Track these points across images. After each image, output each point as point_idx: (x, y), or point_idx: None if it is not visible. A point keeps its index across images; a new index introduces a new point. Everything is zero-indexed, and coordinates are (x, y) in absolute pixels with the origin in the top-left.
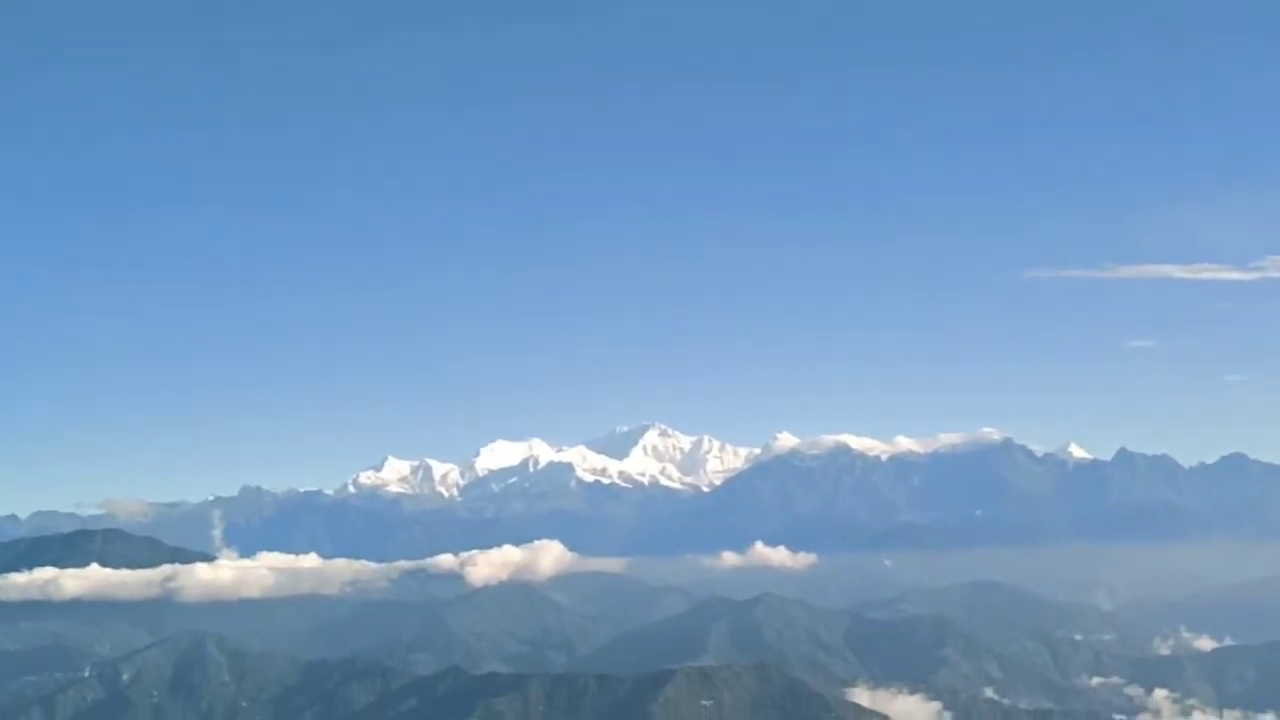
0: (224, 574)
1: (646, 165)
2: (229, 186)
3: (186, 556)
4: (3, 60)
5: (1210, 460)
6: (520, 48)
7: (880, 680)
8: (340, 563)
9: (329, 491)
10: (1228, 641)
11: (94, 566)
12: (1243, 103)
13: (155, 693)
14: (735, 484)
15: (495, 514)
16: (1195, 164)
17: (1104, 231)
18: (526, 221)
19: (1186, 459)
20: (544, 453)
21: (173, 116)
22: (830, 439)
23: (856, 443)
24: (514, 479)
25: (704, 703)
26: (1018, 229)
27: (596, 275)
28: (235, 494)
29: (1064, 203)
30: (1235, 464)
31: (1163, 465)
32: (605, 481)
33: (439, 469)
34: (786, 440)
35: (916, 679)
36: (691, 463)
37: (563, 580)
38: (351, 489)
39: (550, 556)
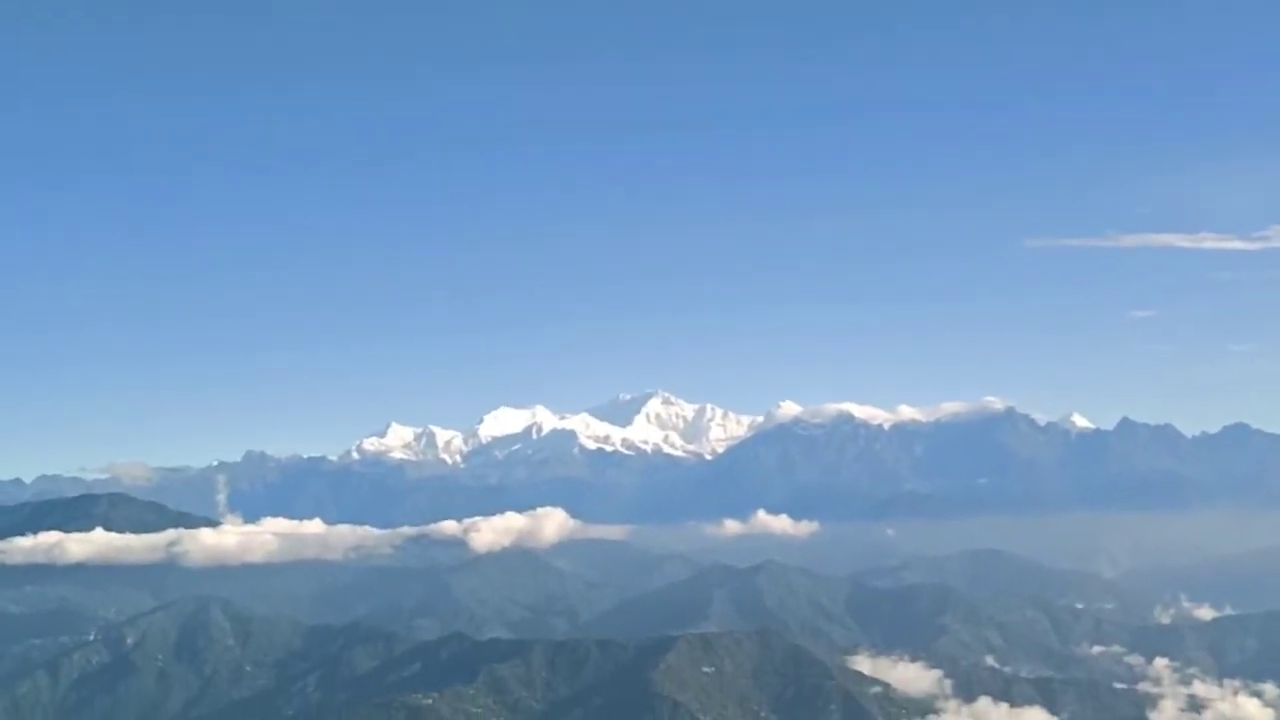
0: (228, 539)
1: (652, 133)
2: (233, 151)
3: (191, 521)
4: None
5: (1212, 430)
6: (529, 14)
7: (881, 648)
8: (344, 528)
9: (333, 457)
10: (1228, 611)
11: (99, 531)
12: (1247, 71)
13: (160, 656)
14: (738, 452)
15: (499, 481)
16: (1198, 132)
17: (1106, 200)
18: (530, 189)
19: (1189, 428)
20: (547, 420)
21: (171, 82)
22: (833, 407)
23: (859, 411)
24: (517, 446)
25: (705, 669)
26: (1019, 198)
27: (600, 243)
28: (239, 459)
29: (1066, 171)
30: (1237, 434)
31: (1165, 435)
32: (608, 449)
33: (443, 435)
34: (789, 409)
35: (917, 647)
36: (694, 431)
37: (565, 547)
38: (355, 455)
39: (553, 523)
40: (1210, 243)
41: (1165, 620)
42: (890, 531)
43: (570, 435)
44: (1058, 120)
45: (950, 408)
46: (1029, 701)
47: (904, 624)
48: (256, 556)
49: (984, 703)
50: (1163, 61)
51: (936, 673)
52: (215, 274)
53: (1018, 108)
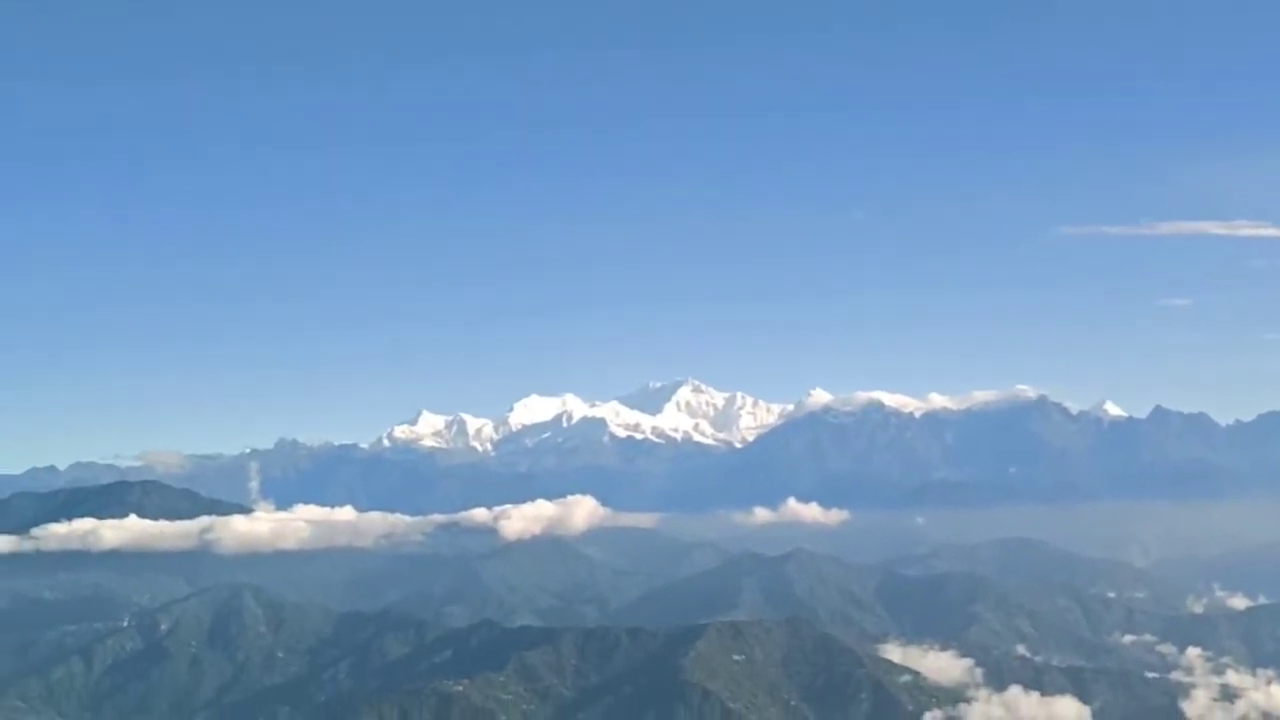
0: (260, 526)
1: (686, 118)
2: (269, 136)
3: (223, 508)
4: None
5: (1246, 418)
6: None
7: (912, 636)
8: (375, 516)
9: (364, 445)
10: (1261, 600)
11: (132, 518)
12: None
13: (193, 643)
14: (768, 440)
15: (529, 469)
16: (1233, 120)
17: (1141, 188)
18: (563, 175)
19: (1222, 417)
20: (577, 408)
21: (212, 67)
22: (864, 396)
23: (890, 400)
24: (547, 434)
25: (735, 657)
26: (1054, 185)
27: (631, 231)
28: (271, 447)
29: (1100, 159)
30: (1271, 422)
31: (1198, 423)
32: (638, 437)
33: (473, 424)
34: (820, 397)
35: (948, 635)
36: (725, 419)
37: (595, 535)
38: (386, 443)
39: (583, 511)
40: (1245, 230)
41: (1198, 610)
42: (920, 520)
43: (600, 423)
44: (1093, 108)
45: (981, 396)
46: (1060, 691)
47: (934, 612)
48: (288, 544)
49: (1015, 692)
50: (1199, 49)
51: (967, 661)
52: (248, 262)
53: (1053, 96)
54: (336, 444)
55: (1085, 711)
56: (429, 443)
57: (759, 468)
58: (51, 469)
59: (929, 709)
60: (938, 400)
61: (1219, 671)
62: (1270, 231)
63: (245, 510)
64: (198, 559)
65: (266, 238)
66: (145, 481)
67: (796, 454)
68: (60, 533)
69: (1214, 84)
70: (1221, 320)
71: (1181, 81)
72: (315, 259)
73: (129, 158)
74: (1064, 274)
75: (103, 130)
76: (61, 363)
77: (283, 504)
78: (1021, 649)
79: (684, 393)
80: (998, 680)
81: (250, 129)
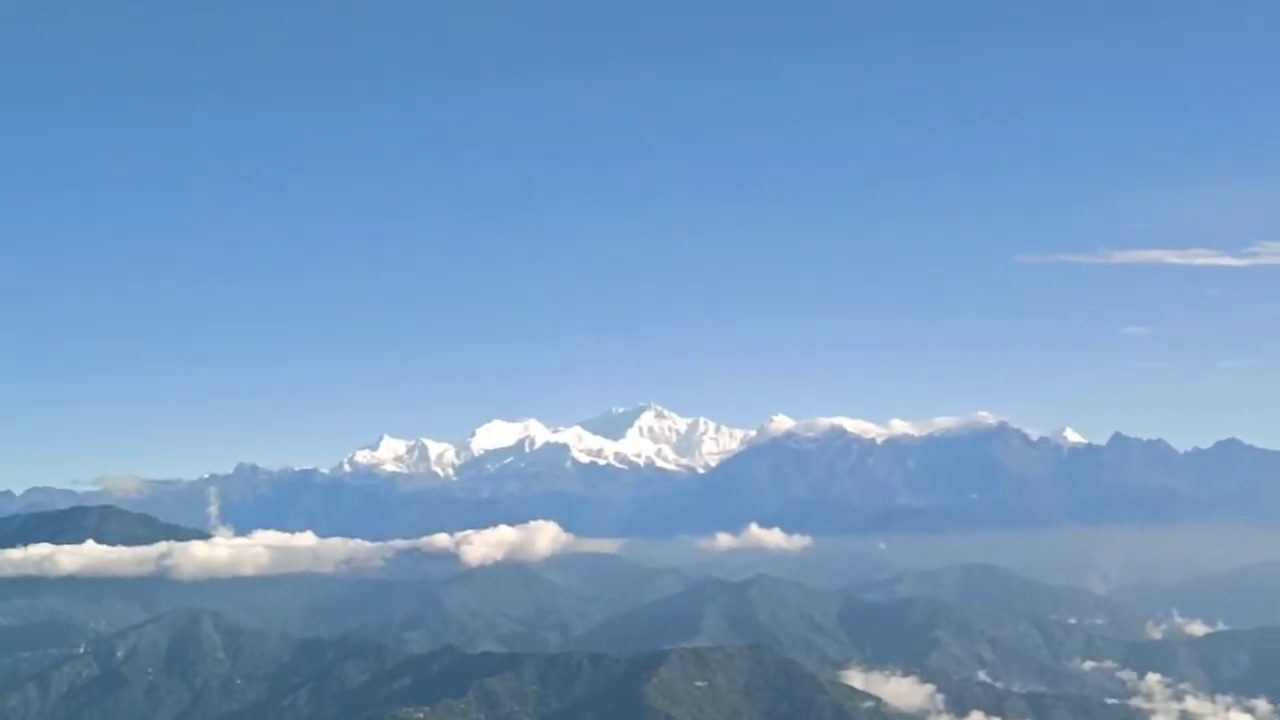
0: (219, 552)
1: (646, 142)
2: (228, 161)
3: (182, 534)
4: None
5: (1205, 445)
6: (516, 27)
7: (874, 662)
8: (335, 541)
9: (325, 470)
10: (1220, 627)
11: (89, 543)
12: (1238, 88)
13: (150, 669)
14: (730, 466)
15: (491, 494)
16: (1190, 149)
17: (1099, 216)
18: (523, 202)
19: (1181, 444)
20: (540, 433)
21: (161, 92)
22: (826, 422)
23: (852, 425)
24: (510, 459)
25: (698, 684)
26: (1012, 213)
27: (593, 256)
28: (231, 472)
29: (1058, 187)
30: (1229, 449)
31: (1157, 450)
32: (601, 462)
33: (435, 449)
34: (782, 423)
35: (910, 661)
36: (687, 444)
37: (558, 560)
38: (347, 468)
39: (546, 537)
40: (1201, 259)
41: (1157, 636)
42: (883, 546)
43: (563, 448)
44: (1051, 135)
45: (943, 422)
46: (1021, 716)
47: (896, 638)
48: (247, 569)
49: (976, 718)
50: (1155, 78)
51: (929, 687)
52: (207, 286)
53: (1010, 121)
54: (297, 469)
55: None
56: (390, 468)
57: (721, 493)
58: (7, 494)
59: None
60: (899, 426)
61: (1178, 698)
62: (1226, 260)
63: (204, 536)
64: (155, 585)
65: (226, 263)
66: (103, 507)
67: (759, 480)
68: (16, 558)
69: (1170, 113)
70: (1180, 348)
71: (1139, 110)
72: (276, 284)
73: (87, 179)
74: (1024, 301)
75: (57, 153)
76: (18, 387)
77: (242, 530)
78: (983, 675)
79: (646, 418)
80: (959, 706)
81: (209, 151)
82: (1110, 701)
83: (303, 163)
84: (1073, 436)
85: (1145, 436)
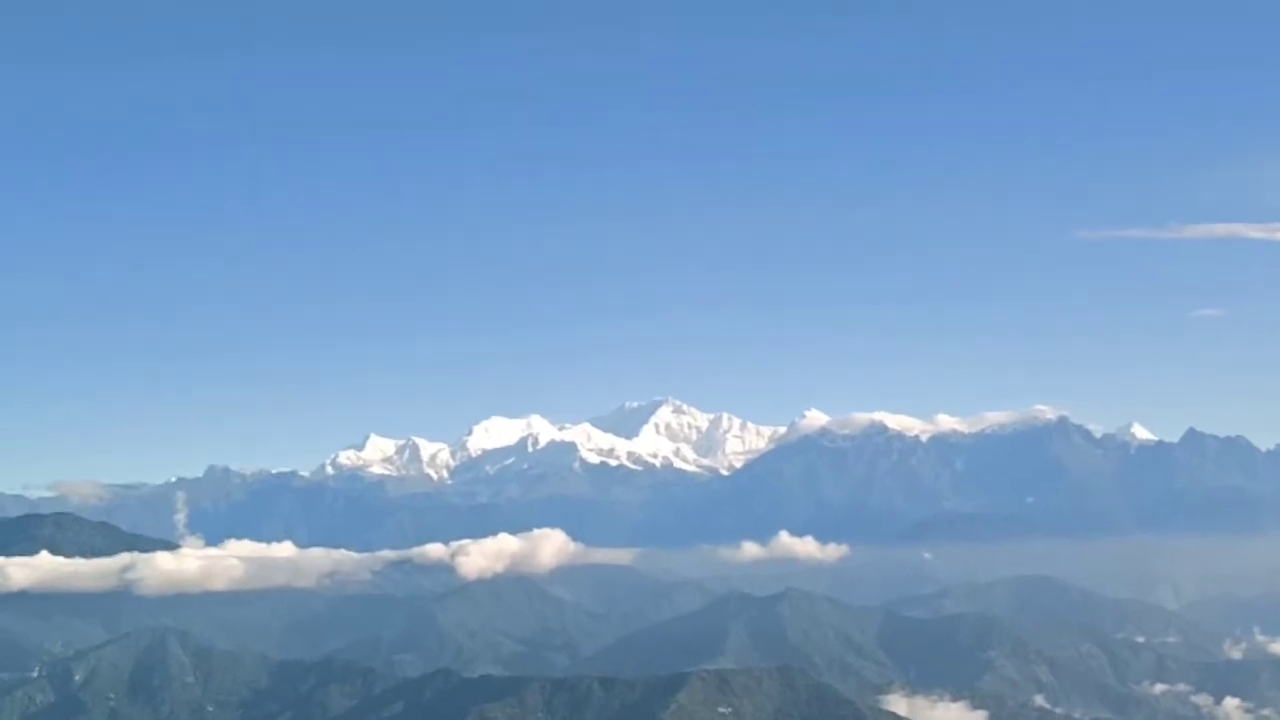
0: (188, 564)
1: (664, 109)
2: (193, 144)
3: (146, 544)
4: None
5: None
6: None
7: (918, 686)
8: (317, 552)
9: (304, 473)
10: None
11: (44, 555)
12: None
13: (111, 695)
14: (757, 467)
15: (490, 499)
16: (1269, 112)
17: (1168, 187)
18: (526, 171)
19: (1262, 441)
20: (544, 431)
21: (124, 70)
22: (864, 417)
23: (893, 421)
24: (510, 460)
25: (721, 710)
26: (1071, 184)
27: (604, 234)
28: (200, 475)
29: (1123, 154)
30: None
31: (1235, 448)
32: (612, 463)
33: (427, 448)
34: (815, 418)
35: (958, 685)
36: (708, 443)
37: (564, 573)
38: (330, 470)
39: (551, 547)
40: None
41: (1236, 655)
42: (927, 555)
43: (570, 448)
44: (1113, 99)
45: (995, 418)
46: None
47: (943, 659)
48: (219, 583)
49: None
50: (1231, 39)
51: (980, 714)
52: (173, 271)
53: (1068, 85)
54: (274, 472)
55: None
56: (378, 470)
57: (747, 497)
58: None
59: None
60: (946, 422)
61: None
62: None
63: (171, 546)
64: (117, 601)
65: (193, 244)
66: (58, 514)
67: (789, 482)
68: None
69: (1246, 72)
70: (1260, 333)
71: (1210, 70)
72: (249, 268)
73: (41, 166)
74: (1085, 283)
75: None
76: None
77: (213, 539)
78: (1040, 700)
79: (663, 414)
80: None
81: (177, 132)
82: None
83: (279, 138)
84: (1141, 433)
85: (1222, 433)
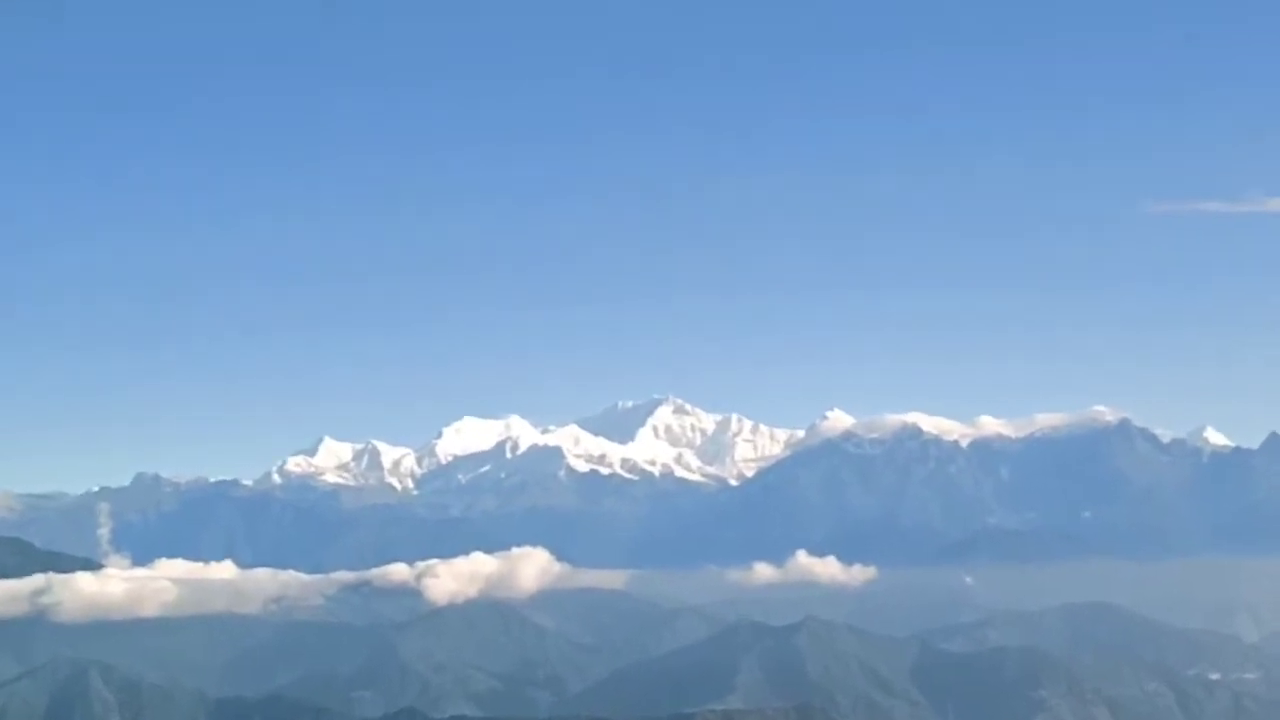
0: (112, 586)
1: (663, 74)
2: (131, 120)
3: (64, 563)
4: None
5: None
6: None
7: None
8: (262, 573)
9: (247, 481)
10: None
11: None
12: None
13: None
14: (771, 476)
15: (462, 512)
16: None
17: (1248, 155)
18: (502, 140)
19: None
20: (525, 434)
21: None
22: (895, 419)
23: (929, 424)
24: (486, 467)
25: None
26: (1139, 151)
27: (593, 209)
28: (127, 484)
29: (1198, 120)
30: None
31: None
32: (603, 471)
33: (389, 454)
34: (838, 420)
35: None
36: (715, 448)
37: (548, 598)
38: (276, 478)
39: (532, 567)
40: None
41: None
42: (968, 579)
43: (554, 453)
44: (1189, 59)
45: (1046, 420)
46: None
47: (986, 699)
48: (149, 609)
49: None
50: None
51: None
52: (95, 252)
53: (1135, 36)
54: (211, 480)
55: None
56: (332, 478)
57: (759, 511)
58: None
59: None
60: (990, 425)
61: None
62: None
63: (93, 566)
64: (30, 629)
65: (120, 224)
66: None
67: (808, 494)
68: None
69: None
70: None
71: None
72: (183, 247)
73: None
74: (1152, 263)
75: None
76: None
77: (141, 558)
78: None
79: (663, 414)
80: None
81: (109, 117)
82: None
83: (214, 112)
84: (1215, 438)
85: None
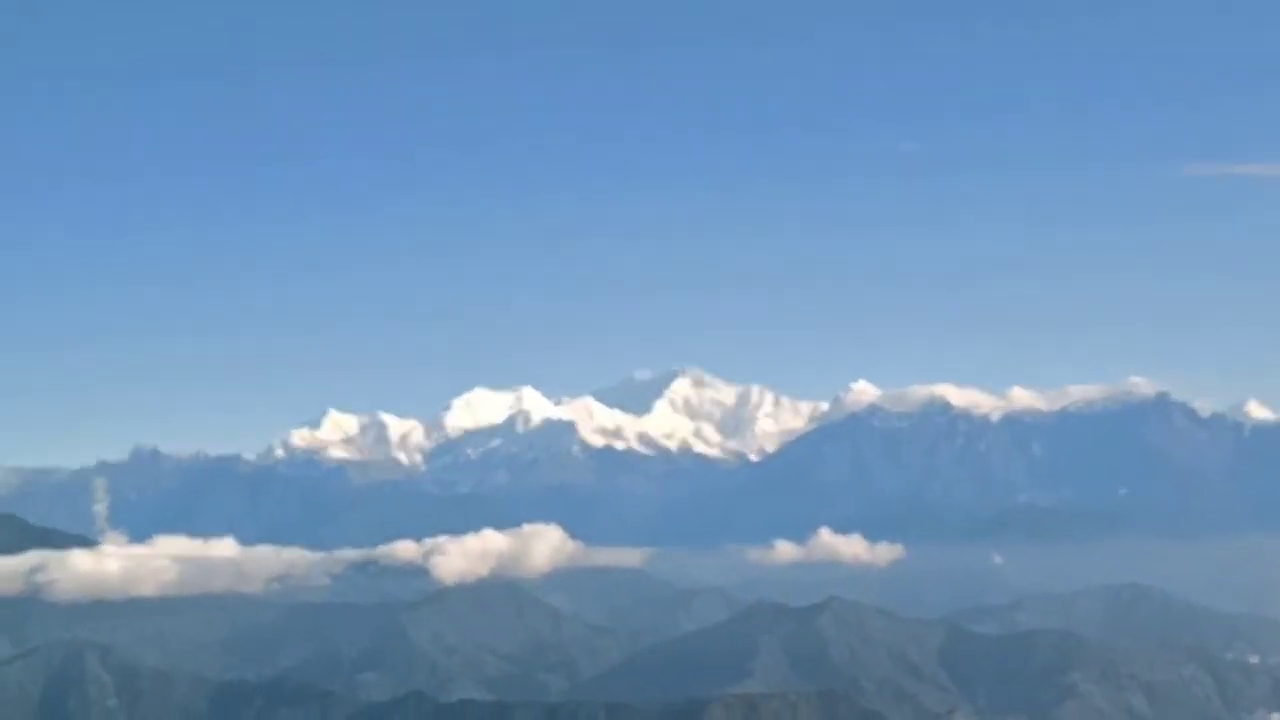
0: (109, 564)
1: (679, 37)
2: (127, 103)
3: (60, 540)
4: None
5: None
6: None
7: (986, 714)
8: (264, 551)
9: (249, 456)
10: None
11: None
12: None
13: None
14: (794, 451)
15: (471, 488)
16: None
17: None
18: (515, 108)
19: None
20: (537, 406)
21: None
22: (923, 391)
23: (958, 397)
24: (497, 441)
25: None
26: (1176, 112)
27: (607, 174)
28: (125, 458)
29: (1238, 80)
30: None
31: None
32: (619, 446)
33: (397, 427)
34: (864, 392)
35: (1035, 713)
36: (735, 422)
37: (561, 577)
38: (279, 453)
39: (545, 546)
40: None
41: None
42: (999, 559)
43: (568, 427)
44: (1227, 14)
45: (1080, 393)
46: None
47: (1017, 683)
48: (148, 588)
49: None
50: None
51: None
52: (96, 226)
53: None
54: (212, 455)
55: None
56: (337, 453)
57: (781, 488)
58: None
59: None
60: (1022, 398)
61: None
62: None
63: (89, 543)
64: (24, 608)
65: (118, 196)
66: None
67: (832, 470)
68: None
69: None
70: None
71: None
72: (184, 219)
73: None
74: (1192, 228)
75: None
76: None
77: (139, 535)
78: None
79: (681, 386)
80: None
81: (130, 110)
82: None
83: (213, 92)
84: (1257, 412)
85: None
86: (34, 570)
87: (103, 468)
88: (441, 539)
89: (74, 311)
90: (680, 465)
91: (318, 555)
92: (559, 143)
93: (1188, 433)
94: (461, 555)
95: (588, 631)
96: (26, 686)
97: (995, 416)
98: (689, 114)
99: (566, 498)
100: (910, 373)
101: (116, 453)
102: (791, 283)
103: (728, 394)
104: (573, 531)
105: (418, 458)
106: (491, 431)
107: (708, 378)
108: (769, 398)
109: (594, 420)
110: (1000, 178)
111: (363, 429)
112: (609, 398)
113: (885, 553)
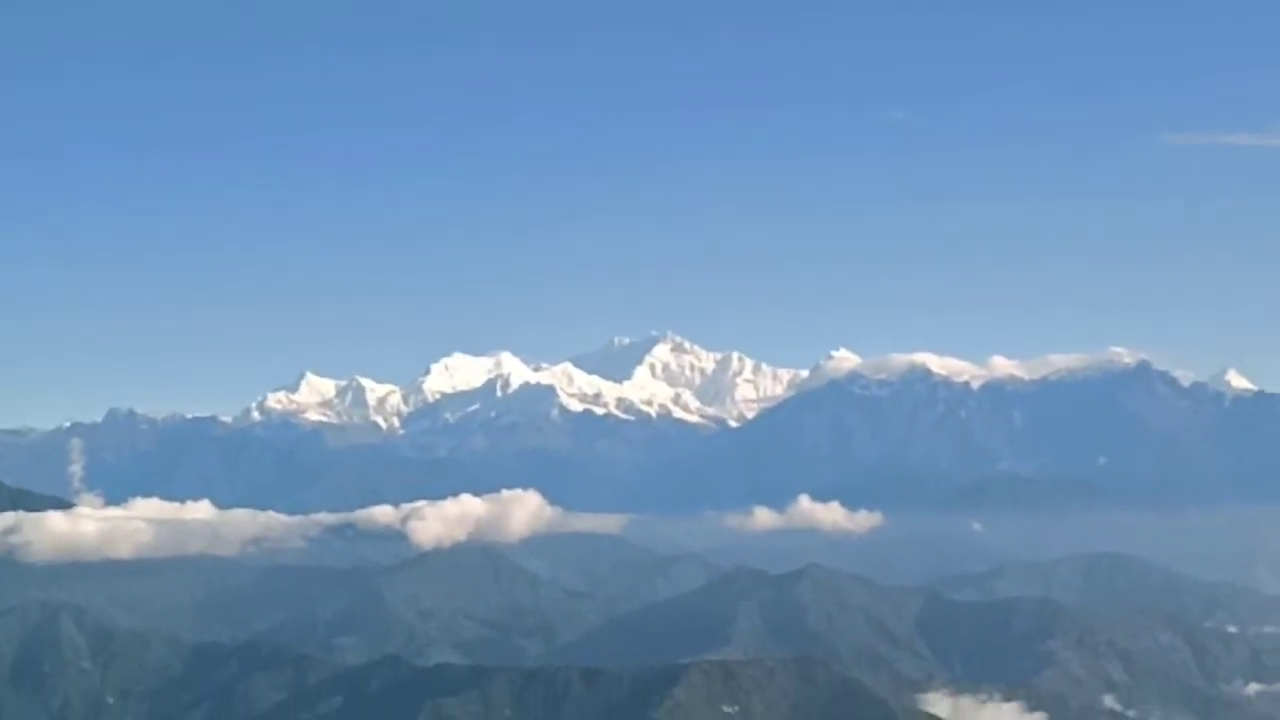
0: (84, 526)
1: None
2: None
3: (34, 502)
4: None
5: None
6: None
7: (964, 683)
8: (240, 514)
9: (226, 418)
10: None
11: None
12: None
13: None
14: (773, 417)
15: (449, 452)
16: None
17: (1271, 85)
18: (496, 74)
19: None
20: (516, 371)
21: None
22: (903, 359)
23: (938, 365)
24: (475, 406)
25: (726, 708)
26: (1157, 82)
27: (586, 136)
28: (100, 420)
29: (1218, 49)
30: None
31: None
32: (598, 411)
33: (375, 391)
34: (844, 360)
35: (1013, 681)
36: (715, 388)
37: (539, 542)
38: (256, 415)
39: (523, 511)
40: None
41: None
42: (978, 527)
43: (547, 392)
44: None
45: (1061, 361)
46: None
47: (995, 651)
48: (123, 550)
49: None
50: None
51: (1038, 716)
52: (68, 189)
53: None
54: (188, 416)
55: None
56: (314, 416)
57: (761, 454)
58: None
59: None
60: (1003, 366)
61: None
62: None
63: (64, 504)
64: None
65: (89, 153)
66: None
67: (812, 437)
68: None
69: None
70: None
71: None
72: (155, 179)
73: None
74: (1172, 198)
75: None
76: None
77: (115, 497)
78: (1110, 701)
79: (661, 352)
80: None
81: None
82: None
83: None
84: (1237, 381)
85: None
86: (8, 531)
87: (78, 429)
88: (419, 503)
89: (50, 272)
90: (659, 431)
91: (294, 518)
92: (539, 113)
93: (1168, 402)
94: (439, 520)
95: (565, 597)
96: (1, 649)
97: (976, 385)
98: (669, 85)
99: (545, 463)
100: (891, 341)
101: (92, 414)
102: (772, 250)
103: (707, 360)
104: (551, 497)
105: (395, 422)
106: (470, 396)
107: (687, 344)
108: (749, 364)
109: (573, 385)
110: (983, 148)
111: (340, 392)
112: (588, 363)
113: (864, 520)
